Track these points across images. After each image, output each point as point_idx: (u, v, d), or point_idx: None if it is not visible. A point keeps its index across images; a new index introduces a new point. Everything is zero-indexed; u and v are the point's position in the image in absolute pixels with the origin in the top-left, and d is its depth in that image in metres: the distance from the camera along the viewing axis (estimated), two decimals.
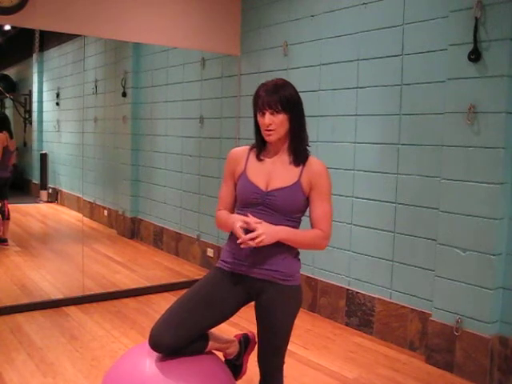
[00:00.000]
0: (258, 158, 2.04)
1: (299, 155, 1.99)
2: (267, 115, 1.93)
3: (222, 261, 2.06)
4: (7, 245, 5.48)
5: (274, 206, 1.96)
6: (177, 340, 1.91)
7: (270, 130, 1.94)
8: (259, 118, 1.97)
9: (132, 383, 1.92)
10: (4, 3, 3.52)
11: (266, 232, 1.85)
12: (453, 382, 3.04)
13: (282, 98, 1.92)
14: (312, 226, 2.00)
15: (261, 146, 2.05)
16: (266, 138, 1.98)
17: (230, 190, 2.10)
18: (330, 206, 2.00)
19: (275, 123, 1.93)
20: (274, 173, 2.00)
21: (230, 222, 1.96)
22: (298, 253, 2.05)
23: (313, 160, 2.02)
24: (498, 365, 2.99)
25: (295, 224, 2.00)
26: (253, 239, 1.84)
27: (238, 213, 2.04)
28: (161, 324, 1.95)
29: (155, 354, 1.96)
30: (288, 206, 1.96)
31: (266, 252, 1.94)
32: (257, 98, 1.96)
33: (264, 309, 2.00)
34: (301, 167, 1.99)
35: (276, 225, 1.93)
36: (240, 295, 2.03)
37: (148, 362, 1.96)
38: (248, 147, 2.10)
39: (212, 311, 1.99)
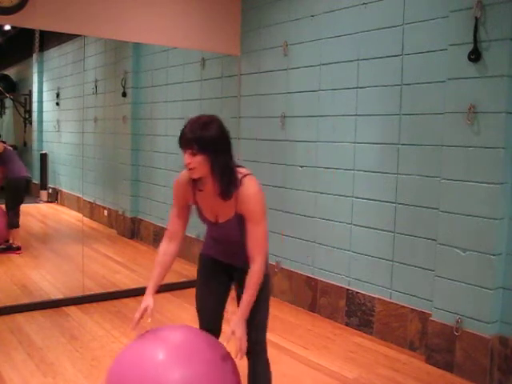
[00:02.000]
0: (199, 189, 2.11)
1: (227, 190, 2.03)
2: (186, 155, 1.97)
3: (206, 252, 2.36)
4: (20, 252, 5.38)
5: (228, 239, 2.19)
6: (219, 323, 2.34)
7: (191, 169, 1.98)
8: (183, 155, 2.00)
9: (138, 374, 1.96)
10: (4, 3, 3.52)
11: (237, 330, 2.01)
12: (453, 382, 3.04)
13: (200, 139, 1.93)
14: (248, 251, 2.07)
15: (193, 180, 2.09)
16: (190, 175, 2.03)
17: (180, 214, 2.23)
18: (263, 226, 2.07)
19: (194, 162, 1.96)
20: (217, 208, 2.12)
21: (149, 283, 2.26)
22: None
23: (243, 186, 2.04)
24: (498, 365, 2.99)
25: None
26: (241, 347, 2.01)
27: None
28: (204, 318, 2.34)
29: (158, 345, 2.05)
30: (238, 236, 2.12)
31: (237, 253, 2.17)
32: (180, 134, 1.98)
33: (242, 287, 2.13)
34: (234, 197, 2.05)
35: (238, 248, 2.13)
36: (227, 275, 2.32)
37: (153, 352, 2.02)
38: (186, 173, 2.12)
39: (223, 290, 2.33)
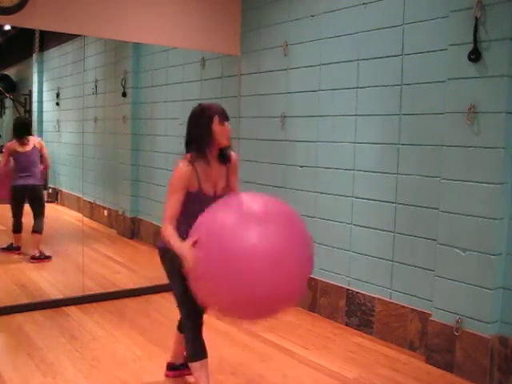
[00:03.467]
0: (207, 163, 2.47)
1: (226, 157, 2.56)
2: (227, 124, 2.49)
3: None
4: (20, 253, 5.41)
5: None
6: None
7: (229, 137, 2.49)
8: (218, 127, 2.46)
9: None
10: (4, 3, 3.52)
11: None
12: (453, 382, 3.04)
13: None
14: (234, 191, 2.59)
15: (205, 154, 2.47)
16: (226, 143, 2.50)
17: (181, 199, 2.46)
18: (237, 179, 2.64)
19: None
20: (216, 177, 2.53)
21: (181, 249, 2.27)
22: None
23: (232, 155, 2.61)
24: (498, 365, 2.99)
25: None
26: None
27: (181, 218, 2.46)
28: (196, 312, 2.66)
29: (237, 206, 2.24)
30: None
31: None
32: (214, 111, 2.49)
33: None
34: (227, 165, 2.57)
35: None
36: None
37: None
38: (188, 162, 2.46)
39: None
